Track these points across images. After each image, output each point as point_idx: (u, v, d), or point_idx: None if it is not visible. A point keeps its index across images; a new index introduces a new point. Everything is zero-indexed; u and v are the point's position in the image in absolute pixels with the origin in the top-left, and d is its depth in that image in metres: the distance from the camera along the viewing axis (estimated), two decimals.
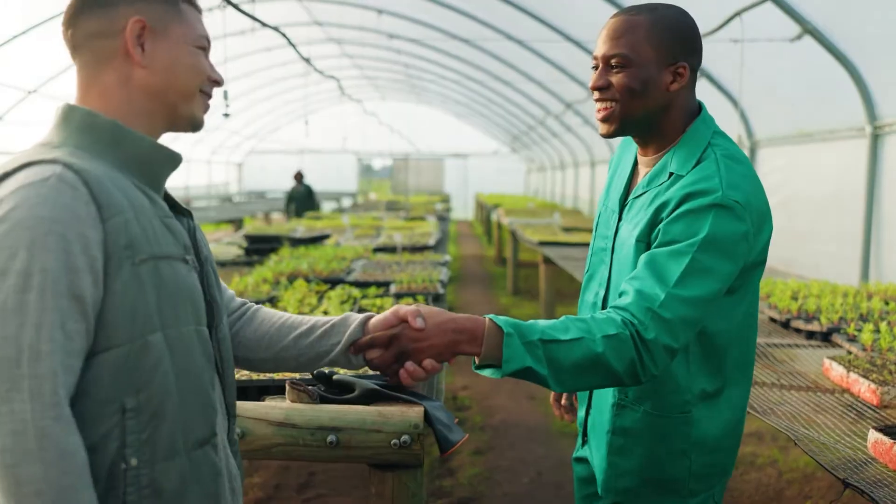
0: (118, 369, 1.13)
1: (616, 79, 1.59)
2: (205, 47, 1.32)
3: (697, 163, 1.58)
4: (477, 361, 1.52)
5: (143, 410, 1.15)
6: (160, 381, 1.17)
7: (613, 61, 1.59)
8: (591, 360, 1.46)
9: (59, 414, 1.05)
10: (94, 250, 1.10)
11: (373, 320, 1.58)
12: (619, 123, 1.62)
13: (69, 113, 1.23)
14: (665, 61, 1.57)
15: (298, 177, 13.43)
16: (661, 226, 1.56)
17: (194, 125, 1.33)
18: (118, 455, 1.13)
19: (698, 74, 1.69)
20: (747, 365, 1.71)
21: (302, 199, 13.05)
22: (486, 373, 1.53)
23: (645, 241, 1.62)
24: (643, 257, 1.55)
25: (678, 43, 1.57)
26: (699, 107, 1.69)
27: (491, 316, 1.52)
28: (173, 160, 1.30)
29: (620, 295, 1.54)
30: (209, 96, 1.34)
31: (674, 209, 1.55)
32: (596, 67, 1.64)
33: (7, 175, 1.12)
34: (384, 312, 1.59)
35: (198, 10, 1.35)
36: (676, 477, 1.67)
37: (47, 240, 1.06)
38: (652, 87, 1.57)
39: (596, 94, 1.63)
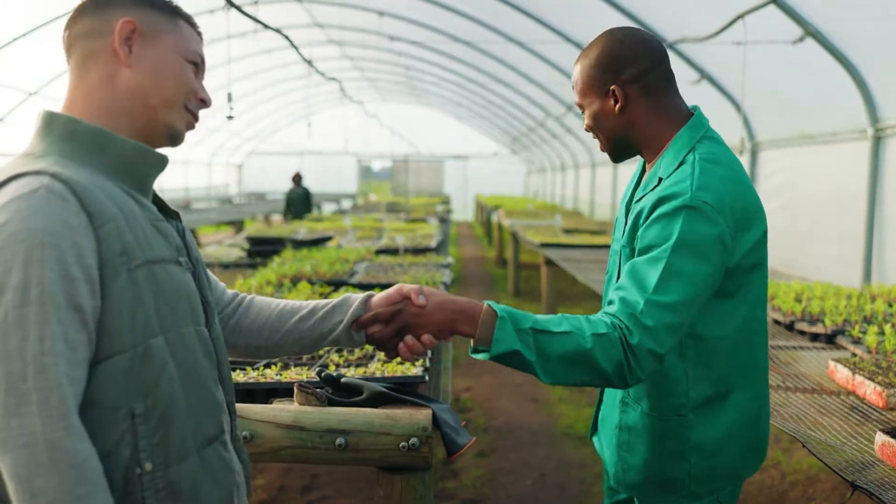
0: (124, 375, 1.13)
1: (585, 121, 1.79)
2: (197, 63, 1.33)
3: (679, 167, 1.64)
4: (472, 343, 1.58)
5: (152, 414, 1.16)
6: (166, 383, 1.18)
7: (580, 108, 1.79)
8: (580, 355, 1.50)
9: (68, 424, 1.05)
10: (88, 259, 1.10)
11: (375, 297, 1.61)
12: (610, 152, 1.79)
13: (50, 120, 1.22)
14: (600, 93, 1.70)
15: (297, 179, 12.99)
16: (638, 232, 1.62)
17: (173, 137, 1.31)
18: (132, 460, 1.14)
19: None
20: (754, 369, 1.72)
21: (300, 202, 12.63)
22: (480, 356, 1.58)
23: (629, 245, 1.69)
24: (626, 266, 1.60)
25: (604, 72, 1.69)
26: (690, 112, 1.75)
27: (489, 302, 1.58)
28: (160, 162, 1.29)
29: (610, 303, 1.59)
30: (194, 115, 1.34)
31: (648, 215, 1.60)
32: None
33: None
34: (387, 290, 1.62)
35: (197, 32, 1.36)
36: (677, 478, 1.70)
37: (42, 252, 1.06)
38: (603, 118, 1.72)
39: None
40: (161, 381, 1.17)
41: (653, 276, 1.52)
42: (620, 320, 1.52)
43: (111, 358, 1.12)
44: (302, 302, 1.61)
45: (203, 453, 1.24)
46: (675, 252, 1.52)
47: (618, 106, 1.68)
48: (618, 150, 1.77)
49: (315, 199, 18.65)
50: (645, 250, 1.58)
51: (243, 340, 1.58)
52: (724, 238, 1.54)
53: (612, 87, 1.68)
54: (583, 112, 1.78)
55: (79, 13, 1.27)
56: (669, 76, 1.73)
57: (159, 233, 1.25)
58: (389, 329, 1.57)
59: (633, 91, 1.68)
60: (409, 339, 1.57)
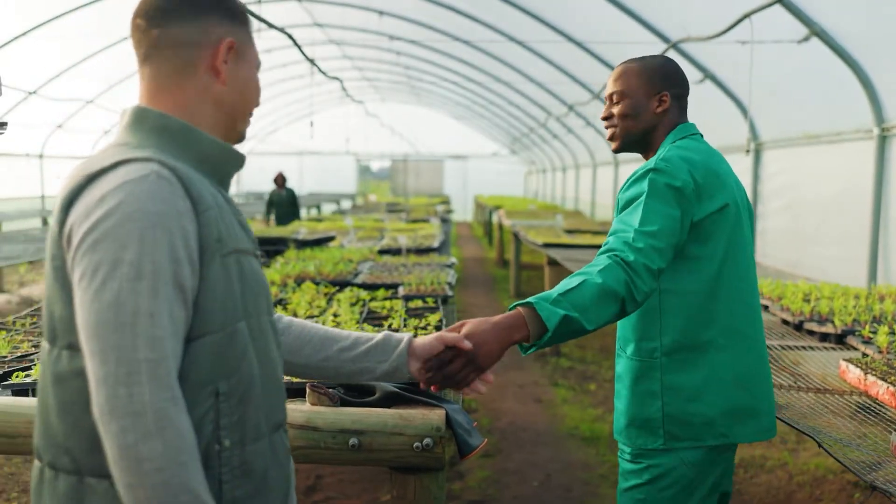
0: (212, 355, 1.19)
1: (616, 109, 2.09)
2: (259, 68, 1.41)
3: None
4: (528, 342, 1.76)
5: (234, 394, 1.22)
6: (247, 367, 1.24)
7: (614, 97, 2.10)
8: (601, 291, 1.76)
9: (173, 395, 1.10)
10: (192, 242, 1.17)
11: (418, 345, 1.64)
12: (621, 141, 2.11)
13: (141, 115, 1.27)
14: (651, 92, 2.05)
15: (280, 180, 11.36)
16: (619, 198, 2.01)
17: (241, 140, 1.42)
18: (213, 437, 1.19)
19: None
20: (734, 334, 1.96)
21: (284, 206, 11.13)
22: (533, 350, 1.78)
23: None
24: (615, 221, 1.97)
25: (660, 78, 2.06)
26: (680, 124, 2.10)
27: (516, 303, 1.78)
28: (240, 160, 1.35)
29: (605, 244, 1.89)
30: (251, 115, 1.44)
31: (625, 186, 2.01)
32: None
33: (103, 171, 1.17)
34: (428, 338, 1.66)
35: None
36: (652, 416, 1.95)
37: (155, 232, 1.12)
38: (642, 112, 2.06)
39: (604, 123, 2.14)
40: (243, 363, 1.23)
41: (636, 216, 1.88)
42: (615, 249, 1.84)
43: (203, 337, 1.18)
44: (342, 331, 1.66)
45: (272, 437, 1.30)
46: (649, 198, 1.90)
47: (659, 108, 2.05)
48: (628, 140, 2.11)
49: (314, 200, 18.60)
50: (626, 205, 1.95)
51: (283, 355, 1.59)
52: (685, 191, 1.89)
53: (664, 92, 2.05)
54: (612, 100, 2.10)
55: (169, 11, 1.27)
56: (686, 105, 2.14)
57: (241, 225, 1.31)
58: (454, 366, 1.67)
59: (672, 104, 2.07)
60: (487, 375, 1.71)
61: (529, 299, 1.75)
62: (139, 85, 1.32)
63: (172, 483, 1.07)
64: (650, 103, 2.05)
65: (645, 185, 1.92)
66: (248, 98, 1.35)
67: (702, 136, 2.12)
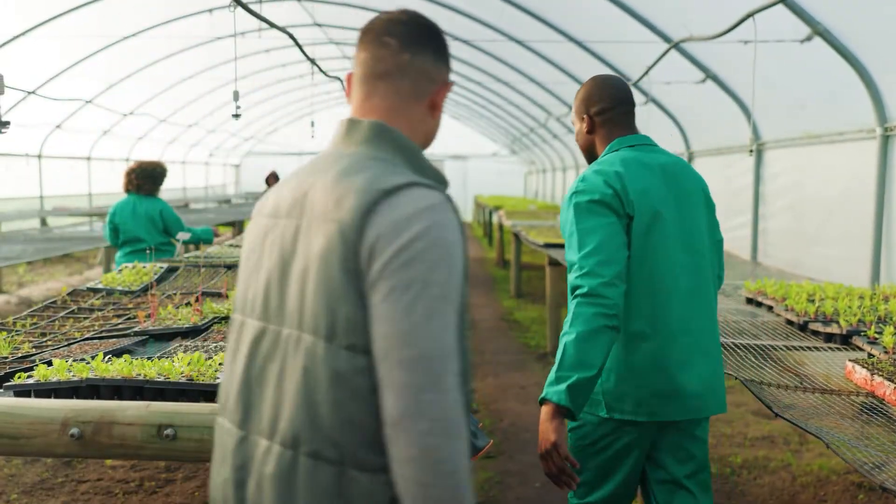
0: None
1: None
2: None
3: None
4: (570, 418, 2.04)
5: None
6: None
7: None
8: (579, 341, 2.00)
9: (463, 406, 1.22)
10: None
11: None
12: (585, 159, 2.46)
13: (384, 130, 1.37)
14: (580, 117, 2.41)
15: (273, 179, 10.43)
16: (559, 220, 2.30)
17: None
18: None
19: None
20: (660, 325, 2.18)
21: None
22: (580, 414, 2.08)
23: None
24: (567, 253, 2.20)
25: (581, 103, 2.41)
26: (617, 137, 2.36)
27: (540, 400, 2.05)
28: (447, 185, 1.43)
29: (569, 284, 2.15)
30: None
31: (561, 209, 2.28)
32: None
33: (397, 189, 1.26)
34: None
35: None
36: (597, 390, 2.21)
37: (453, 259, 1.25)
38: (579, 135, 2.43)
39: None
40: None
41: (575, 245, 2.11)
42: (575, 286, 2.06)
43: None
44: None
45: None
46: (578, 222, 2.14)
47: (586, 129, 2.39)
48: (587, 158, 2.44)
49: None
50: (564, 228, 2.21)
51: None
52: (605, 200, 2.15)
53: (584, 115, 2.39)
54: None
55: (423, 41, 1.41)
56: (629, 115, 2.38)
57: None
58: (550, 471, 2.05)
59: (597, 120, 2.37)
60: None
61: (542, 395, 2.03)
62: (362, 97, 1.41)
63: (460, 486, 1.18)
64: (582, 127, 2.41)
65: (571, 209, 2.17)
66: (434, 135, 1.49)
67: (647, 144, 2.34)
